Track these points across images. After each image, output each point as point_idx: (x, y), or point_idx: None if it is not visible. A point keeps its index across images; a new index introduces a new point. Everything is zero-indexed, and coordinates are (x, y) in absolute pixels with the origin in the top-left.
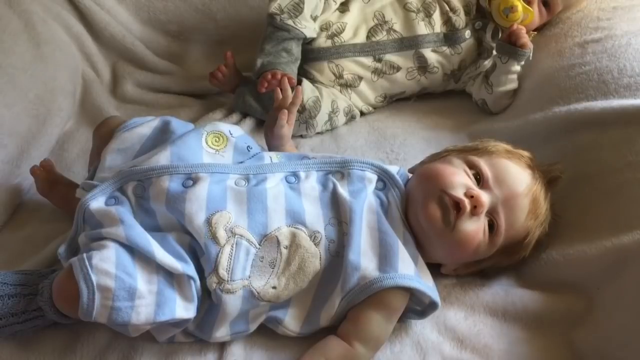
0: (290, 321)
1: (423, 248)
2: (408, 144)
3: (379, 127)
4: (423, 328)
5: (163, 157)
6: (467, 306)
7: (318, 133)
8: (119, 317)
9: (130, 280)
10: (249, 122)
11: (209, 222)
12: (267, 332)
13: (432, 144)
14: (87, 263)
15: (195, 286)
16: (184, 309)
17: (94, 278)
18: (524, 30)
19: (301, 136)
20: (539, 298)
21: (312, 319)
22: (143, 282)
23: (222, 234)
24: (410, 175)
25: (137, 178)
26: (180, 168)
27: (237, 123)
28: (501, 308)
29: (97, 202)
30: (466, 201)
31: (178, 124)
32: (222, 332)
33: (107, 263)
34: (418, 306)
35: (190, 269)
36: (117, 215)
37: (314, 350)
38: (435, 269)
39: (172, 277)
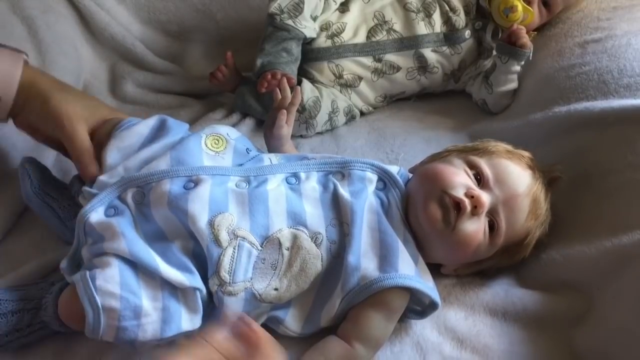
0: (291, 321)
1: (423, 248)
2: (408, 143)
3: (379, 127)
4: (423, 328)
5: (163, 162)
6: (467, 306)
7: (318, 133)
8: (125, 335)
9: (135, 300)
10: (249, 122)
11: (211, 224)
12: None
13: (432, 143)
14: (90, 284)
15: (201, 296)
16: (189, 322)
17: (98, 300)
18: (524, 30)
19: (301, 136)
20: (538, 298)
21: (313, 319)
22: (148, 300)
23: (224, 237)
24: (410, 175)
25: (136, 184)
26: (180, 171)
27: (237, 123)
28: (501, 308)
29: (96, 214)
30: (467, 201)
31: (173, 123)
32: None
33: (111, 283)
34: (418, 306)
35: (196, 281)
36: (118, 228)
37: (314, 350)
38: (435, 269)
39: (176, 290)
